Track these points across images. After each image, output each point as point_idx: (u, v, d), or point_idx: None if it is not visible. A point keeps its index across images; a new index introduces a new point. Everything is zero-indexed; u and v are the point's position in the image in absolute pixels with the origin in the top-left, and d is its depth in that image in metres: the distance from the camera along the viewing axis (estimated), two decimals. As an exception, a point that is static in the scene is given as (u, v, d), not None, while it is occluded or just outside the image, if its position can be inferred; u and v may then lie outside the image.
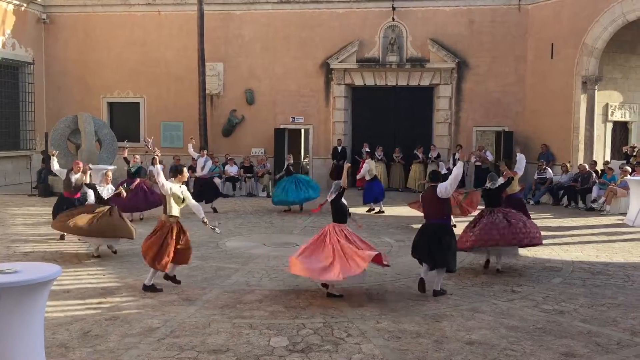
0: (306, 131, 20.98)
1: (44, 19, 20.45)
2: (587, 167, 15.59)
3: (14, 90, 19.60)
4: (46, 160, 17.72)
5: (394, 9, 18.91)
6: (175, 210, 7.35)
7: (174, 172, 7.59)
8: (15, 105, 19.65)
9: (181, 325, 6.13)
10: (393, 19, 19.08)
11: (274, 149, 19.31)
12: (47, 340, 5.27)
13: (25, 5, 19.67)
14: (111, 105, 20.82)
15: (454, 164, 17.58)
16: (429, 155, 18.59)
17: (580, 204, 15.37)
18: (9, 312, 3.91)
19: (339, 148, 19.15)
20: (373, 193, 14.19)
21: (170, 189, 7.32)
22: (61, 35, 20.58)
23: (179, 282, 7.54)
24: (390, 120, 19.71)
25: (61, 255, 9.36)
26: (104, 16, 20.39)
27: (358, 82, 19.54)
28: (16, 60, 19.41)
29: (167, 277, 7.49)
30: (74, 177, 10.23)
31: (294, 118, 19.83)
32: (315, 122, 19.85)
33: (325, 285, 7.33)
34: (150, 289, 7.33)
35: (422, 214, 8.32)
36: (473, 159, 17.27)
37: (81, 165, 10.38)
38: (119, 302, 6.92)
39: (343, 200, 7.71)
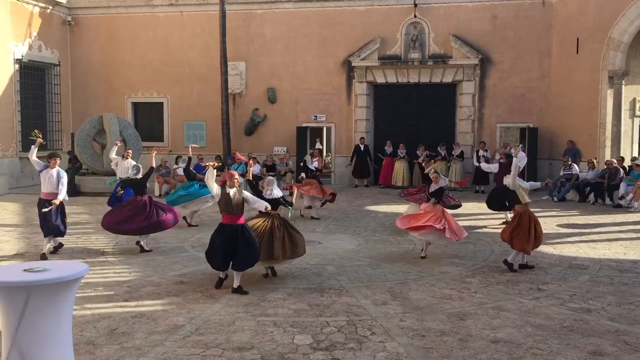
0: (328, 129, 20.99)
1: (69, 21, 20.78)
2: (614, 163, 15.34)
3: (40, 92, 19.95)
4: (72, 160, 18.02)
5: (415, 5, 18.80)
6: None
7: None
8: (42, 106, 20.00)
9: (206, 322, 6.18)
10: (415, 16, 18.97)
11: (296, 147, 19.33)
12: (75, 338, 5.35)
13: (50, 7, 19.99)
14: (135, 105, 21.07)
15: (478, 161, 17.54)
16: (452, 153, 18.44)
17: (608, 201, 15.12)
18: (39, 309, 3.97)
19: (362, 147, 19.09)
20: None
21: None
22: (86, 37, 20.88)
23: None
24: (413, 117, 19.61)
25: (88, 253, 9.50)
26: (128, 17, 20.63)
27: (380, 79, 19.47)
28: (43, 62, 19.75)
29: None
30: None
31: (316, 116, 19.84)
32: (337, 120, 19.83)
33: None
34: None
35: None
36: (497, 157, 17.07)
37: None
38: (145, 300, 7.00)
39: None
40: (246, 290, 7.21)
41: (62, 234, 9.35)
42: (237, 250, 7.08)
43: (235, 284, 7.22)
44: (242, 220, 7.30)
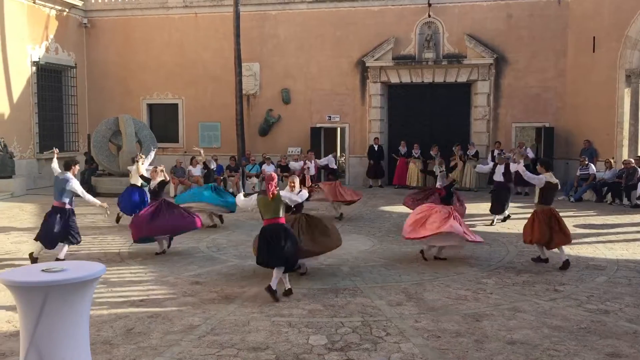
0: (342, 130, 20.98)
1: (85, 24, 20.97)
2: (632, 162, 15.17)
3: (57, 93, 20.16)
4: (89, 161, 18.20)
5: (429, 5, 18.73)
6: None
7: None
8: (59, 108, 20.22)
9: (221, 323, 6.21)
10: (429, 15, 18.89)
11: (310, 147, 19.32)
12: (92, 337, 5.39)
13: (67, 10, 20.20)
14: (150, 106, 21.21)
15: (493, 161, 17.38)
16: (467, 153, 18.33)
17: (625, 201, 14.95)
18: (57, 309, 4.01)
19: (376, 147, 19.05)
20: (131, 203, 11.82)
21: None
22: (102, 39, 21.06)
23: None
24: (427, 117, 19.53)
25: (105, 254, 9.58)
26: (143, 19, 20.78)
27: (394, 79, 19.42)
28: (59, 64, 19.97)
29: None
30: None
31: (330, 117, 19.84)
32: (351, 121, 19.81)
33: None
34: None
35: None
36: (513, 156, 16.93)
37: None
38: (161, 300, 7.05)
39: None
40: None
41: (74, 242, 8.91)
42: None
43: (287, 285, 7.18)
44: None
